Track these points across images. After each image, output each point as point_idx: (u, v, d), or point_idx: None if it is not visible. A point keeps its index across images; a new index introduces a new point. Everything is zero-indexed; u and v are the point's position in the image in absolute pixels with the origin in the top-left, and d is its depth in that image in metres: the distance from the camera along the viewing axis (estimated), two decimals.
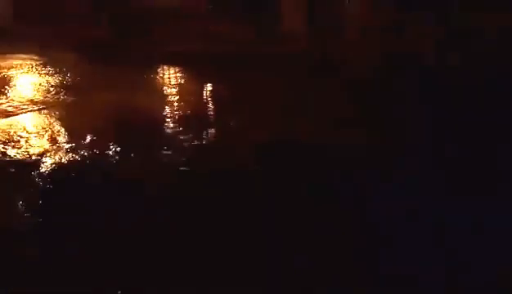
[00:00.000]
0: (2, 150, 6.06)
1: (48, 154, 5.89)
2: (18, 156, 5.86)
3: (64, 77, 11.36)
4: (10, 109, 8.23)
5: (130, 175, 5.22)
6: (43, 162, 5.61)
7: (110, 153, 5.98)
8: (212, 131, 7.29)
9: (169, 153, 6.08)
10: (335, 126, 6.84)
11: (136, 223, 4.07)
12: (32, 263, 3.53)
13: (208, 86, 10.49)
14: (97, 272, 3.38)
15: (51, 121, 7.47)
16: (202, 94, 9.93)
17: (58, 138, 6.54)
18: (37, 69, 12.56)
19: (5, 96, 9.27)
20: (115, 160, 5.79)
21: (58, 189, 4.95)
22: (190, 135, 6.74)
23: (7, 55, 14.77)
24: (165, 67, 12.51)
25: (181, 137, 6.69)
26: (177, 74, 11.84)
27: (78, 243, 3.79)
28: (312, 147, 6.01)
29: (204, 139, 6.72)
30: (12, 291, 3.16)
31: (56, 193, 4.87)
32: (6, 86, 10.31)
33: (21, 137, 6.60)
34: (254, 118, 7.57)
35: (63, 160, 5.71)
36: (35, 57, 14.35)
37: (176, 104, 8.77)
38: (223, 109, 8.67)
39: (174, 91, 9.94)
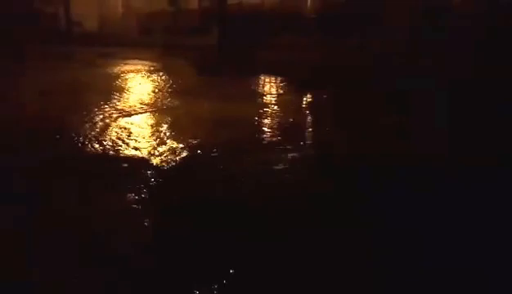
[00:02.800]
0: (118, 147, 6.60)
1: (157, 153, 6.29)
2: (131, 153, 6.35)
3: (173, 83, 12.08)
4: (127, 110, 8.97)
5: (233, 182, 5.40)
6: (153, 160, 6.01)
7: (212, 155, 6.23)
8: (309, 142, 7.28)
9: (266, 161, 6.18)
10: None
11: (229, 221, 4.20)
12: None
13: (310, 97, 10.52)
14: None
15: (162, 122, 7.98)
16: (304, 104, 9.98)
17: (166, 139, 6.95)
18: (151, 75, 13.52)
19: (123, 98, 10.14)
20: (218, 162, 6.03)
21: (166, 186, 5.26)
22: (289, 146, 6.78)
23: (127, 61, 16.13)
24: (271, 76, 12.76)
25: (281, 147, 6.76)
26: (282, 83, 12.01)
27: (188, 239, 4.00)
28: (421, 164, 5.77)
29: (301, 150, 6.71)
30: None
31: (164, 188, 5.18)
32: (125, 89, 11.26)
33: (135, 136, 7.13)
34: (356, 133, 7.48)
35: (170, 158, 6.06)
36: (150, 63, 15.49)
37: (277, 113, 8.90)
38: (324, 120, 8.63)
39: (276, 100, 10.10)
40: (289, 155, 6.23)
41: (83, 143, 6.78)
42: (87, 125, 7.77)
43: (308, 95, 10.65)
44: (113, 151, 6.42)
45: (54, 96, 9.92)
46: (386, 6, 16.50)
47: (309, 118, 8.97)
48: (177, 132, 7.29)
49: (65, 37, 26.10)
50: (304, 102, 10.20)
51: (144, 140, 6.87)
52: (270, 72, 13.05)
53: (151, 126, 7.82)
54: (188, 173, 5.66)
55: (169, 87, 11.52)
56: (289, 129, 7.78)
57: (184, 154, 6.23)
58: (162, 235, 4.08)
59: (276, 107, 9.41)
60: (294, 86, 11.77)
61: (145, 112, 8.87)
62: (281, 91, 11.20)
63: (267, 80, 12.53)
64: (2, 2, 29.04)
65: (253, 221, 4.29)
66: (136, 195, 4.84)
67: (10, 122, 7.90)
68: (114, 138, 7.00)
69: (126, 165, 5.90)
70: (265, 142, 7.05)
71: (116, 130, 7.48)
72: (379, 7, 16.29)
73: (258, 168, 5.79)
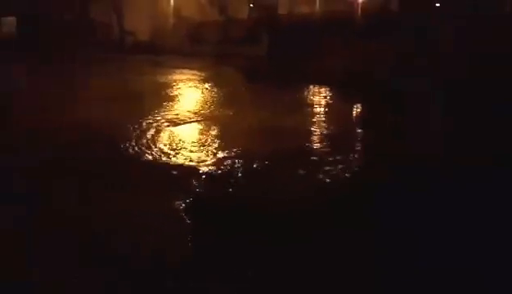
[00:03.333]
0: (168, 154, 6.71)
1: (206, 161, 6.34)
2: (180, 161, 6.43)
3: (223, 92, 12.19)
4: (177, 118, 9.11)
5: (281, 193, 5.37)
6: (202, 168, 6.07)
7: (260, 165, 6.21)
8: (357, 154, 7.14)
9: (314, 172, 6.09)
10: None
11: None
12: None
13: (360, 107, 10.38)
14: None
15: (211, 131, 8.05)
16: (353, 114, 9.85)
17: (215, 147, 7.00)
18: (200, 84, 13.70)
19: (173, 106, 10.31)
20: (265, 172, 6.01)
21: (214, 194, 5.30)
22: (337, 157, 6.67)
23: (177, 70, 16.42)
24: (320, 85, 12.66)
25: (330, 159, 6.66)
26: (331, 93, 11.90)
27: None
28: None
29: (348, 163, 6.57)
30: None
31: (211, 196, 5.21)
32: (175, 98, 11.46)
33: (185, 144, 7.23)
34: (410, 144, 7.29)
35: (218, 167, 6.10)
36: (200, 72, 15.71)
37: (326, 123, 8.81)
38: (374, 132, 8.44)
39: (325, 110, 10.01)
40: (338, 167, 6.14)
41: (135, 150, 6.93)
42: (139, 132, 7.94)
43: (358, 105, 10.49)
44: (163, 158, 6.53)
45: (107, 103, 10.22)
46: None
47: (358, 128, 8.82)
48: (225, 141, 7.33)
49: (119, 46, 26.95)
50: (354, 112, 10.06)
51: (193, 149, 6.95)
52: (319, 81, 12.94)
53: (200, 134, 7.91)
54: (235, 182, 5.67)
55: (218, 96, 11.63)
56: (337, 140, 7.67)
57: (232, 163, 6.25)
58: (210, 241, 4.11)
59: (324, 117, 9.32)
60: (343, 95, 11.61)
61: (195, 121, 8.98)
62: (330, 101, 11.09)
63: (317, 89, 12.44)
64: (60, 10, 30.46)
65: (294, 236, 4.23)
66: (183, 202, 4.90)
67: (63, 126, 8.17)
68: (163, 146, 7.12)
69: (175, 172, 5.97)
70: (313, 152, 6.98)
71: (166, 138, 7.62)
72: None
73: (306, 179, 5.73)
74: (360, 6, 20.86)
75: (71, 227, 4.30)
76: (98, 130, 7.93)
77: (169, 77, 15.04)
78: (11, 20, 34.21)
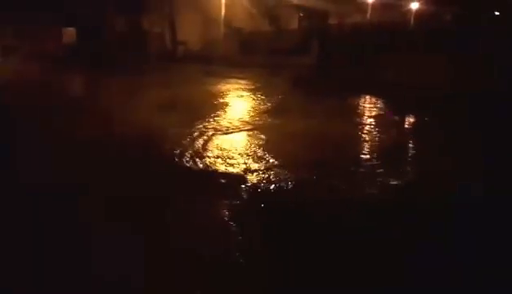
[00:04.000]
0: (217, 163, 6.78)
1: (254, 170, 6.36)
2: (229, 169, 6.48)
3: (272, 102, 12.21)
4: (226, 127, 9.22)
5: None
6: (249, 177, 6.09)
7: (308, 175, 6.16)
8: (408, 168, 6.93)
9: (361, 185, 5.98)
10: None
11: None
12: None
13: (412, 119, 10.12)
14: None
15: (259, 140, 8.07)
16: (404, 127, 9.61)
17: (263, 156, 7.01)
18: (250, 93, 13.81)
19: (223, 115, 10.44)
20: (314, 182, 5.95)
21: (262, 202, 5.30)
22: (387, 170, 6.51)
23: (227, 80, 16.65)
24: (371, 95, 12.46)
25: (378, 171, 6.51)
26: (382, 104, 11.68)
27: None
28: None
29: (398, 177, 6.39)
30: None
31: (259, 205, 5.22)
32: (225, 106, 11.61)
33: (233, 153, 7.28)
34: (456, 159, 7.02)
35: (267, 177, 6.09)
36: (249, 82, 15.86)
37: (376, 135, 8.64)
38: (426, 146, 8.19)
39: (375, 121, 9.81)
40: (388, 182, 5.99)
41: (184, 157, 7.05)
42: (189, 140, 8.08)
43: (409, 117, 10.23)
44: (212, 166, 6.60)
45: (158, 111, 10.47)
46: None
47: (409, 141, 8.58)
48: (274, 150, 7.32)
49: (171, 56, 27.67)
50: (405, 124, 9.81)
51: (241, 157, 6.98)
52: (369, 91, 12.75)
53: (249, 143, 7.94)
54: (283, 191, 5.64)
55: (267, 106, 11.67)
56: (386, 152, 7.50)
57: (280, 172, 6.23)
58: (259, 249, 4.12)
59: (374, 128, 9.13)
60: (394, 106, 11.37)
61: (244, 129, 9.04)
62: (381, 112, 10.86)
63: (367, 100, 12.25)
64: (115, 21, 31.66)
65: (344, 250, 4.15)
66: (231, 211, 4.93)
67: (114, 132, 8.43)
68: (213, 154, 7.20)
69: (224, 181, 6.02)
70: (361, 165, 6.84)
71: (215, 146, 7.70)
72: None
73: (353, 192, 5.62)
74: (413, 16, 20.45)
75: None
76: (150, 136, 8.14)
77: (219, 86, 15.26)
78: (71, 30, 35.94)
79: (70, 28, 35.88)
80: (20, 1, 30.04)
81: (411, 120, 10.28)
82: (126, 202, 5.14)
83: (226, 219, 4.79)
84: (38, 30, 37.79)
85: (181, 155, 7.15)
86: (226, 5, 24.99)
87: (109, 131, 8.63)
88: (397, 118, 10.33)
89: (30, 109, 10.04)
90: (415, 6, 23.07)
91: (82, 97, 13.84)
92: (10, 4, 28.06)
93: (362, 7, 22.98)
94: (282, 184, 5.88)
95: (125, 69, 19.74)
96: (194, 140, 8.11)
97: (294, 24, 26.33)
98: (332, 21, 23.79)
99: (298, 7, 25.16)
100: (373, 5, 22.83)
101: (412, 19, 20.96)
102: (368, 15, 22.85)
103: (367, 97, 12.53)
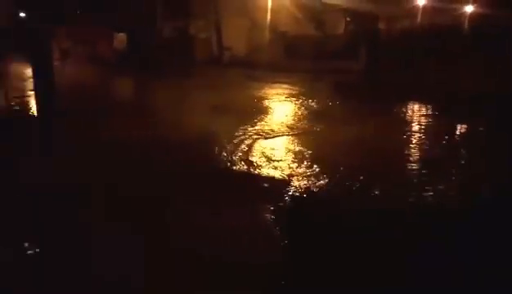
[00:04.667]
0: (261, 166, 6.78)
1: (297, 176, 6.33)
2: (272, 173, 6.48)
3: (316, 107, 12.11)
4: (269, 131, 9.24)
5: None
6: (293, 182, 6.04)
7: (352, 182, 6.07)
8: (459, 180, 6.68)
9: (408, 195, 5.82)
10: None
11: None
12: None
13: (464, 128, 9.78)
14: None
15: (302, 146, 8.02)
16: (455, 136, 9.29)
17: (307, 162, 6.95)
18: (294, 98, 13.76)
19: (266, 120, 10.47)
20: (358, 191, 5.86)
21: (306, 208, 5.27)
22: (436, 181, 6.32)
23: (272, 84, 16.69)
24: (420, 102, 12.10)
25: (425, 179, 6.34)
26: (432, 111, 11.33)
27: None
28: None
29: (448, 189, 6.17)
30: None
31: (303, 211, 5.19)
32: (269, 111, 11.63)
33: (277, 157, 7.26)
34: None
35: (311, 183, 6.03)
36: (294, 87, 15.83)
37: (425, 143, 8.40)
38: (479, 157, 7.87)
39: (422, 128, 9.55)
40: (435, 193, 5.81)
41: (231, 160, 7.12)
42: (235, 143, 8.15)
43: (461, 126, 9.89)
44: (256, 170, 6.62)
45: (203, 115, 10.63)
46: None
47: (461, 151, 8.27)
48: (317, 156, 7.24)
49: (216, 61, 28.05)
50: (456, 134, 9.50)
51: (285, 162, 6.95)
52: (419, 97, 12.39)
53: (293, 148, 7.91)
54: (327, 199, 5.57)
55: (312, 111, 11.58)
56: (436, 162, 7.26)
57: (324, 178, 6.16)
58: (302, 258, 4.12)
59: (422, 135, 8.89)
60: (444, 114, 11.02)
61: (288, 134, 9.01)
62: (431, 119, 10.55)
63: (416, 106, 11.92)
64: (162, 26, 32.42)
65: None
66: (273, 215, 4.93)
67: (160, 134, 8.62)
68: (257, 158, 7.21)
69: (267, 185, 6.02)
70: (409, 175, 6.66)
71: (259, 150, 7.70)
72: None
73: (399, 202, 5.48)
74: (467, 19, 19.77)
75: None
76: (195, 139, 8.26)
77: (264, 91, 15.30)
78: (122, 35, 37.14)
79: (121, 34, 37.11)
80: (73, 3, 31.28)
81: (463, 128, 9.93)
82: (166, 201, 5.24)
83: (270, 223, 4.78)
84: (92, 35, 39.33)
85: (225, 158, 7.20)
86: (272, 10, 25.05)
87: (156, 133, 8.83)
88: (448, 125, 9.99)
89: (86, 112, 10.46)
90: (469, 9, 22.34)
91: (131, 100, 14.26)
92: (62, 6, 29.21)
93: (413, 11, 22.44)
94: (325, 190, 5.82)
95: (172, 73, 20.16)
96: (238, 143, 8.15)
97: (341, 29, 26.03)
98: (381, 26, 23.35)
99: (346, 12, 24.88)
100: (424, 8, 22.26)
101: (466, 22, 20.26)
102: (419, 19, 22.28)
103: (416, 103, 12.19)
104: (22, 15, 27.34)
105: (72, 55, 42.22)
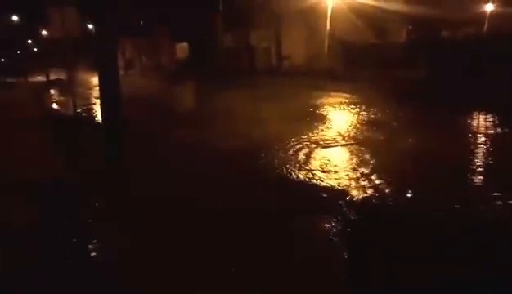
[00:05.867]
0: (318, 176, 6.72)
1: (353, 187, 6.20)
2: (330, 183, 6.38)
3: (375, 117, 11.90)
4: (326, 141, 9.14)
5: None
6: (351, 193, 5.94)
7: (412, 195, 5.86)
8: None
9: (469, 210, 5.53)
10: None
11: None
12: None
13: None
14: None
15: (361, 156, 7.87)
16: None
17: (366, 173, 6.80)
18: (353, 107, 13.58)
19: (324, 129, 10.38)
20: (417, 204, 5.64)
21: (363, 221, 5.14)
22: (499, 191, 5.97)
23: (329, 93, 16.58)
24: (486, 112, 11.48)
25: (491, 193, 6.00)
26: (499, 121, 10.72)
27: None
28: None
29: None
30: None
31: (360, 224, 5.06)
32: (327, 120, 11.53)
33: (335, 167, 7.19)
34: None
35: (369, 194, 5.90)
36: (353, 96, 15.62)
37: (491, 155, 7.97)
38: None
39: (486, 140, 9.07)
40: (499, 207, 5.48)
41: (287, 170, 7.11)
42: (292, 152, 8.14)
43: None
44: (313, 180, 6.56)
45: (260, 122, 10.71)
46: None
47: None
48: (376, 167, 7.10)
49: (276, 70, 28.21)
50: None
51: (343, 173, 6.86)
52: (483, 107, 11.82)
53: (350, 158, 7.78)
54: (387, 211, 5.42)
55: (370, 121, 11.38)
56: (498, 173, 6.86)
57: (383, 190, 6.00)
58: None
59: (490, 148, 8.45)
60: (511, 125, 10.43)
61: (346, 144, 8.90)
62: (495, 130, 10.01)
63: (481, 117, 11.37)
64: (223, 37, 33.10)
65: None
66: (332, 227, 4.84)
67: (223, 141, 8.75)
68: (314, 167, 7.18)
69: (325, 195, 5.94)
70: (472, 187, 6.34)
71: (317, 160, 7.67)
72: None
73: (461, 219, 5.21)
74: None
75: None
76: (254, 147, 8.41)
77: (322, 100, 15.21)
78: (183, 45, 38.27)
79: (183, 44, 38.26)
80: (137, 15, 32.57)
81: None
82: (227, 214, 5.29)
83: (328, 234, 4.70)
84: (154, 45, 40.81)
85: (285, 167, 7.23)
86: (331, 18, 24.85)
87: (218, 140, 9.02)
88: None
89: (148, 122, 10.85)
90: None
91: (191, 110, 14.63)
92: (129, 20, 30.51)
93: (479, 18, 21.51)
94: (386, 203, 5.66)
95: (232, 82, 20.50)
96: (296, 152, 8.16)
97: (403, 37, 25.39)
98: (444, 33, 22.55)
99: (408, 19, 24.25)
100: (491, 15, 21.28)
101: None
102: (485, 26, 21.31)
103: (481, 113, 11.63)
104: (90, 26, 28.91)
105: (136, 65, 44.08)
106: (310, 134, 9.74)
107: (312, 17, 26.46)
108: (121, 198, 6.03)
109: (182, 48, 38.65)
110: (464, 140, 9.23)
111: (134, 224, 5.07)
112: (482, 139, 9.17)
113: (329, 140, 9.26)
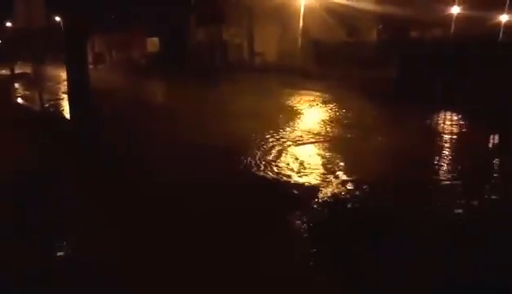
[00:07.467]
0: (290, 173, 6.76)
1: (324, 184, 6.25)
2: (301, 180, 6.43)
3: (346, 115, 12.02)
4: (299, 138, 9.19)
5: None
6: (322, 190, 5.98)
7: (383, 193, 5.96)
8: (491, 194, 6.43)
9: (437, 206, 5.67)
10: None
11: None
12: None
13: (497, 140, 9.45)
14: None
15: (331, 153, 7.95)
16: (488, 147, 9.00)
17: (336, 170, 6.87)
18: (324, 105, 13.70)
19: (295, 127, 10.42)
20: (386, 201, 5.73)
21: (333, 217, 5.20)
22: (464, 189, 6.14)
23: (301, 91, 16.65)
24: (452, 112, 11.76)
25: (458, 190, 6.16)
26: (465, 122, 11.00)
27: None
28: None
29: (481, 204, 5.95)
30: None
31: (329, 219, 5.12)
32: (298, 118, 11.59)
33: (306, 164, 7.23)
34: None
35: (339, 191, 5.97)
36: (324, 94, 15.73)
37: (457, 154, 8.18)
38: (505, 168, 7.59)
39: (453, 138, 9.30)
40: (468, 203, 5.64)
41: (258, 166, 7.12)
42: (263, 150, 8.15)
43: (495, 138, 9.58)
44: (284, 177, 6.59)
45: (230, 119, 10.69)
46: None
47: (494, 163, 7.99)
48: (346, 164, 7.20)
49: (248, 66, 28.21)
50: (489, 145, 9.20)
51: (314, 170, 6.91)
52: (452, 108, 12.10)
53: (322, 156, 7.85)
54: (355, 207, 5.49)
55: (341, 119, 11.50)
56: (469, 174, 7.05)
57: (352, 188, 6.07)
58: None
59: (456, 147, 8.67)
60: (478, 125, 10.71)
61: (317, 142, 8.96)
62: (463, 130, 10.28)
63: (448, 117, 11.64)
64: (195, 32, 32.90)
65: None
66: (302, 222, 4.88)
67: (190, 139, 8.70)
68: (286, 165, 7.20)
69: (296, 192, 5.99)
70: (440, 185, 6.49)
71: (288, 157, 7.70)
72: None
73: (430, 212, 5.35)
74: (502, 30, 19.25)
75: None
76: (223, 145, 8.36)
77: (293, 97, 15.27)
78: (154, 40, 37.84)
79: (154, 38, 37.82)
80: (108, 8, 31.96)
81: (496, 139, 9.62)
82: (192, 214, 5.25)
83: (299, 230, 4.73)
84: (125, 39, 40.15)
85: (255, 164, 7.23)
86: (304, 16, 25.01)
87: (184, 138, 8.93)
88: (480, 136, 9.70)
89: (118, 116, 10.66)
90: (504, 18, 21.79)
91: (160, 105, 14.48)
92: (102, 16, 29.94)
93: (446, 20, 22.04)
94: (355, 199, 5.73)
95: (203, 77, 20.38)
96: (267, 150, 8.17)
97: (373, 36, 25.79)
98: (413, 34, 23.01)
99: (378, 19, 24.65)
100: (457, 17, 21.82)
101: (501, 33, 19.71)
102: (452, 28, 21.85)
103: (448, 113, 11.91)
104: (57, 18, 28.16)
105: (106, 59, 43.28)
106: (281, 131, 9.77)
107: (285, 15, 26.58)
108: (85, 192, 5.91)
109: (153, 43, 38.23)
110: (429, 138, 9.44)
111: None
112: (447, 137, 9.40)
113: (300, 137, 9.31)
